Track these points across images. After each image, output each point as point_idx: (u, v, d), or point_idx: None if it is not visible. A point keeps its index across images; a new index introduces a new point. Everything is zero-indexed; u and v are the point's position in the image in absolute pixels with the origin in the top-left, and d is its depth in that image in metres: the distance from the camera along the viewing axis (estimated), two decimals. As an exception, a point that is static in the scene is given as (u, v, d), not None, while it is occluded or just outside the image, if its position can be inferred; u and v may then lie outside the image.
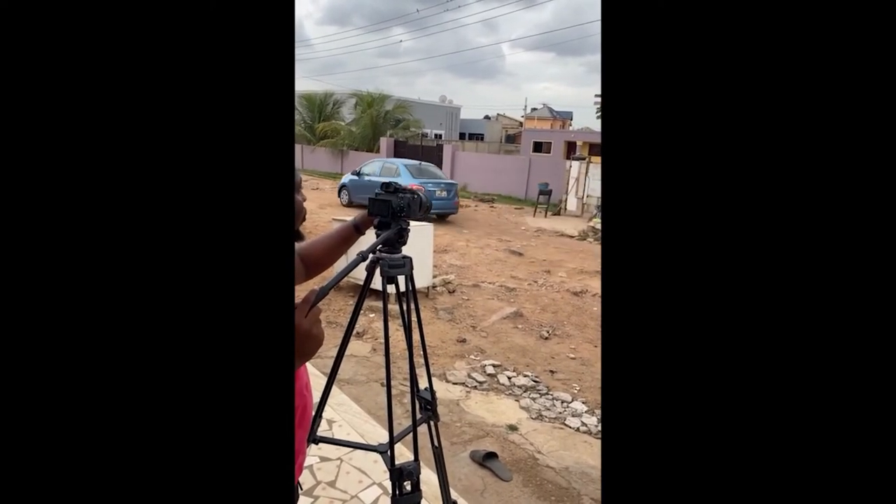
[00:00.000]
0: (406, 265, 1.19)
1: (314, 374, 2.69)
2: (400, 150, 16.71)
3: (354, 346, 3.42)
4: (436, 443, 1.48)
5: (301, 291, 0.67)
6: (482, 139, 25.94)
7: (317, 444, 1.37)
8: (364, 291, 1.27)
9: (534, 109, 31.47)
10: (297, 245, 0.89)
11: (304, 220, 0.82)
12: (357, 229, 1.14)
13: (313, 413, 1.29)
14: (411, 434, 1.31)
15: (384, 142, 16.89)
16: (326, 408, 1.50)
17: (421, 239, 4.17)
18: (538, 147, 14.86)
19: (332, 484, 1.93)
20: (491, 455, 2.27)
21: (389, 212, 1.12)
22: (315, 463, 2.03)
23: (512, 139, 25.65)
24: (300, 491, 1.03)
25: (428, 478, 1.80)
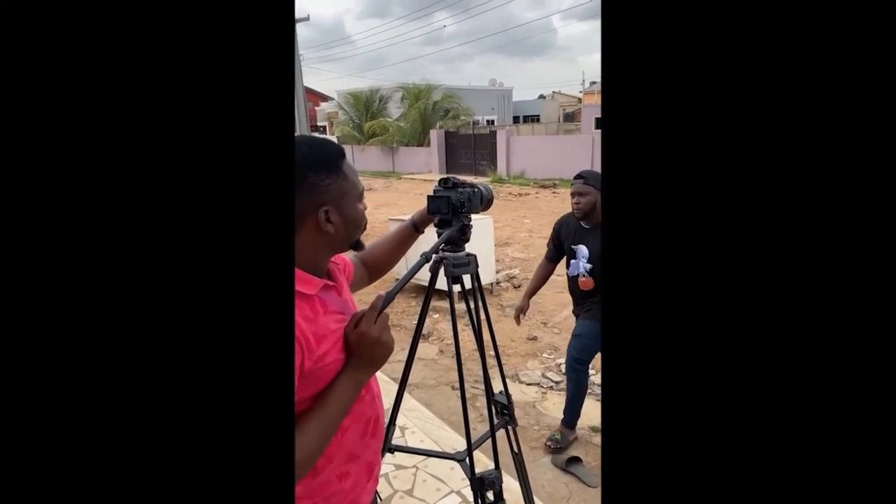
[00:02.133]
0: (471, 263, 1.18)
1: (384, 381, 2.75)
2: (451, 141, 16.73)
3: (421, 348, 3.47)
4: (515, 449, 1.47)
5: (365, 297, 0.68)
6: (538, 121, 25.45)
7: (392, 453, 1.40)
8: (430, 293, 1.27)
9: (593, 83, 30.44)
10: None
11: (364, 229, 0.84)
12: (416, 228, 1.15)
13: (386, 421, 1.32)
14: (488, 441, 1.31)
15: (434, 134, 16.97)
16: (398, 414, 1.53)
17: (481, 232, 4.15)
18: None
19: (409, 492, 1.97)
20: (575, 459, 2.23)
21: (449, 208, 1.12)
22: (390, 471, 2.08)
23: (571, 117, 24.99)
24: (379, 500, 1.05)
25: (509, 485, 1.79)
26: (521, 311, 2.51)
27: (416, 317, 1.47)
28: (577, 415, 2.37)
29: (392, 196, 11.01)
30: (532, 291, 2.53)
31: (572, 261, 2.24)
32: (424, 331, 3.69)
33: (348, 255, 1.01)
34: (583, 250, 2.19)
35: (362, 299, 0.86)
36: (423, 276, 1.21)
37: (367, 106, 19.97)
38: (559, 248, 2.35)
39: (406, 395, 2.69)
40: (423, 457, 2.11)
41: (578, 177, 2.14)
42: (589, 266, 2.17)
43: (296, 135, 0.92)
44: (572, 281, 2.27)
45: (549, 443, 2.34)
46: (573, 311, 2.41)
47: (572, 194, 2.16)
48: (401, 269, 2.72)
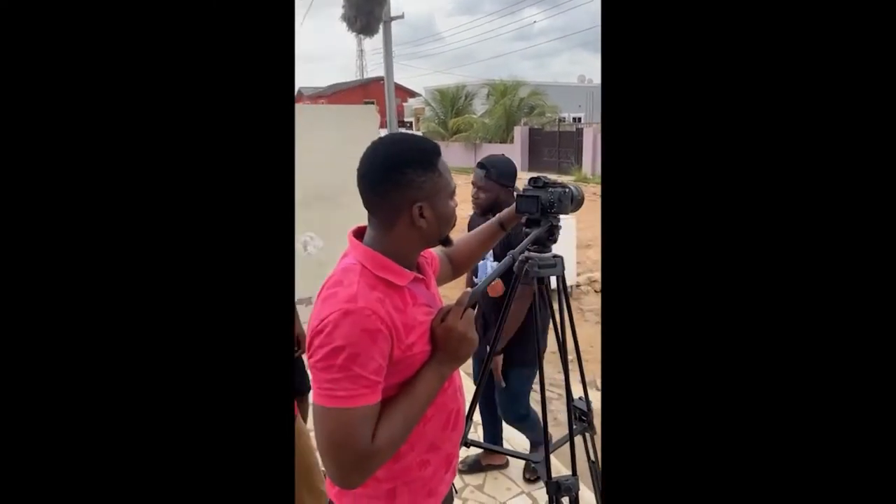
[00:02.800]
0: (558, 265, 1.17)
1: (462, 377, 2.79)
2: (535, 138, 16.51)
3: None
4: (592, 457, 1.44)
5: (449, 292, 0.70)
6: (629, 118, 24.34)
7: (468, 447, 1.43)
8: (512, 292, 1.28)
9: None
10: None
11: (454, 225, 0.86)
12: (502, 227, 1.16)
13: (465, 415, 1.35)
14: (565, 446, 1.30)
15: (518, 131, 16.83)
16: (475, 411, 1.55)
17: (563, 233, 4.08)
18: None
19: (479, 488, 2.00)
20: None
21: (538, 208, 1.12)
22: (461, 465, 2.12)
23: (665, 115, 23.60)
24: (455, 493, 1.08)
25: (583, 494, 1.76)
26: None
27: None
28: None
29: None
30: None
31: (479, 263, 1.88)
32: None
33: (434, 250, 1.04)
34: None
35: (450, 297, 0.88)
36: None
37: (452, 102, 20.19)
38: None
39: (480, 393, 2.71)
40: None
41: (480, 166, 1.79)
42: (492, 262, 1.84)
43: (395, 133, 0.96)
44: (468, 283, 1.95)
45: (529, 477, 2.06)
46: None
47: (473, 183, 1.81)
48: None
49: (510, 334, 1.63)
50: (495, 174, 1.75)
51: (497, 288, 1.80)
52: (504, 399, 1.91)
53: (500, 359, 1.76)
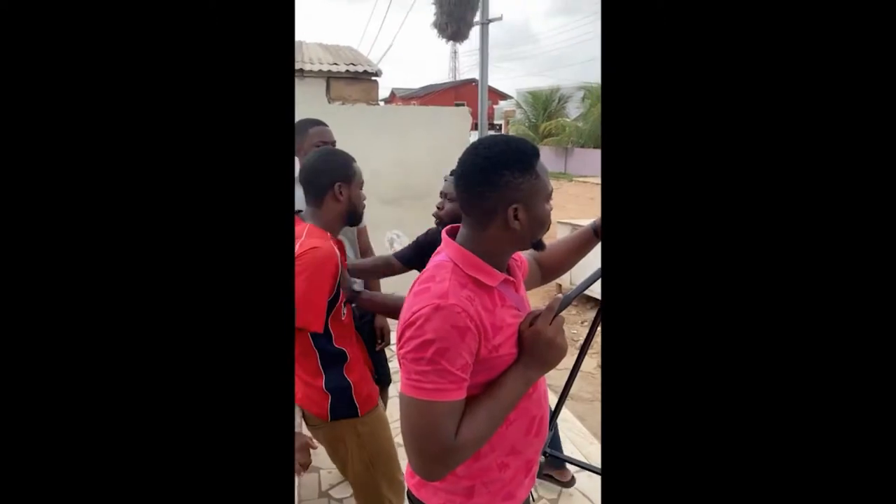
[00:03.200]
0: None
1: (536, 384, 2.75)
2: (632, 144, 15.87)
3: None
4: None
5: (535, 298, 0.70)
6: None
7: (546, 456, 1.41)
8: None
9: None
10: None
11: (548, 228, 0.86)
12: (597, 234, 1.13)
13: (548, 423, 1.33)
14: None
15: (614, 136, 16.26)
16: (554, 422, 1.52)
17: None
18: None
19: (553, 502, 1.96)
20: None
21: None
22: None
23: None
24: (533, 500, 1.07)
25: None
26: None
27: (581, 326, 1.43)
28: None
29: (560, 199, 10.85)
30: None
31: None
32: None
33: (525, 254, 1.04)
34: None
35: (539, 303, 0.88)
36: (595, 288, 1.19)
37: (545, 105, 19.93)
38: (420, 254, 1.62)
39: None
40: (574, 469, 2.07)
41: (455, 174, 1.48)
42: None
43: (495, 134, 0.97)
44: None
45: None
46: None
47: (442, 194, 1.60)
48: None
49: None
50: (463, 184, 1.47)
51: None
52: None
53: None
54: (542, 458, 1.93)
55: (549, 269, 1.14)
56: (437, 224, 1.65)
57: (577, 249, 1.15)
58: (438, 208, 1.62)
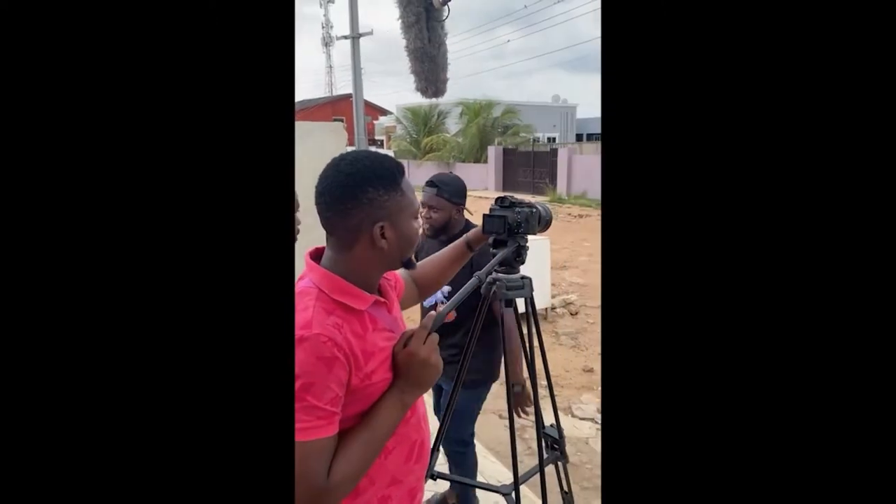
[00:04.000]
0: (526, 286, 1.18)
1: (428, 405, 2.75)
2: (509, 158, 16.77)
3: (468, 373, 3.45)
4: (565, 487, 1.43)
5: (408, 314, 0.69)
6: (603, 139, 25.12)
7: (434, 479, 1.40)
8: (479, 315, 1.28)
9: (663, 100, 29.67)
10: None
11: (417, 246, 0.86)
12: (469, 247, 1.16)
13: (430, 446, 1.32)
14: (536, 476, 1.28)
15: (492, 151, 17.07)
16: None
17: (537, 254, 4.12)
18: (671, 143, 13.95)
19: (449, 524, 1.95)
20: None
21: (505, 228, 1.12)
22: (432, 497, 2.07)
23: (638, 136, 24.38)
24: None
25: (556, 526, 1.74)
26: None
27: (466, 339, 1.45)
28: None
29: (446, 213, 11.12)
30: None
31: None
32: (473, 354, 3.69)
33: (399, 272, 1.03)
34: None
35: (415, 320, 0.87)
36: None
37: (425, 121, 20.39)
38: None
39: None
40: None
41: (430, 184, 1.70)
42: (448, 289, 1.71)
43: (357, 150, 0.95)
44: (425, 312, 1.78)
45: None
46: None
47: (423, 204, 1.70)
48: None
49: (518, 362, 1.51)
50: (447, 192, 1.68)
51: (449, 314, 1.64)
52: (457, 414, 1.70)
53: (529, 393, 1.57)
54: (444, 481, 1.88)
55: (426, 286, 1.14)
56: (427, 234, 1.73)
57: (451, 263, 1.16)
58: (427, 218, 1.69)
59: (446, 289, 1.74)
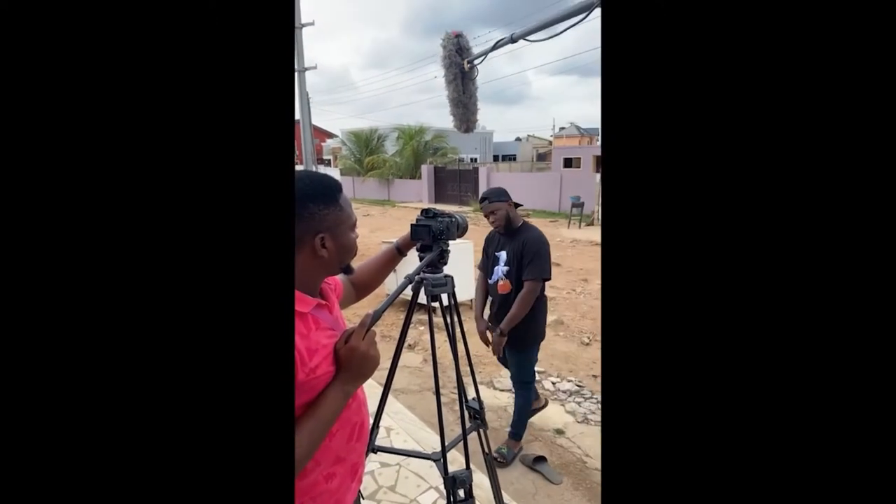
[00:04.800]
0: (448, 283, 1.18)
1: (371, 385, 2.71)
2: (439, 175, 16.92)
3: (407, 357, 3.43)
4: (486, 450, 1.45)
5: (351, 315, 0.67)
6: (514, 159, 25.86)
7: (375, 452, 1.37)
8: (411, 310, 1.27)
9: (562, 129, 31.05)
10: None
11: (355, 255, 0.84)
12: (400, 252, 1.15)
13: (371, 424, 1.30)
14: (462, 442, 1.29)
15: (425, 169, 17.15)
16: (384, 416, 1.50)
17: (462, 256, 4.18)
18: (568, 163, 14.57)
19: (392, 488, 1.93)
20: (540, 459, 2.20)
21: (430, 236, 1.13)
22: (376, 469, 2.04)
23: (543, 157, 25.35)
24: (361, 499, 1.03)
25: (481, 482, 1.76)
26: (483, 333, 2.22)
27: (394, 327, 1.45)
28: (525, 427, 2.27)
29: (387, 221, 11.02)
30: (480, 308, 2.25)
31: (495, 267, 2.09)
32: (411, 341, 3.68)
33: (339, 276, 1.00)
34: (502, 256, 2.06)
35: (352, 319, 0.85)
36: (409, 293, 1.21)
37: (366, 143, 20.13)
38: (490, 259, 2.16)
39: (392, 400, 2.65)
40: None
41: (483, 199, 2.02)
42: (506, 269, 2.02)
43: (299, 169, 0.92)
44: (492, 287, 2.11)
45: (497, 457, 2.14)
46: (488, 319, 2.23)
47: (486, 215, 2.02)
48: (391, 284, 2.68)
49: (516, 320, 1.97)
50: (494, 197, 1.98)
51: (505, 286, 2.05)
52: (515, 366, 2.19)
53: (504, 339, 2.04)
54: (504, 451, 2.18)
55: (362, 288, 1.12)
56: (499, 231, 2.06)
57: (384, 266, 1.15)
58: (492, 222, 2.02)
59: (505, 268, 2.07)
